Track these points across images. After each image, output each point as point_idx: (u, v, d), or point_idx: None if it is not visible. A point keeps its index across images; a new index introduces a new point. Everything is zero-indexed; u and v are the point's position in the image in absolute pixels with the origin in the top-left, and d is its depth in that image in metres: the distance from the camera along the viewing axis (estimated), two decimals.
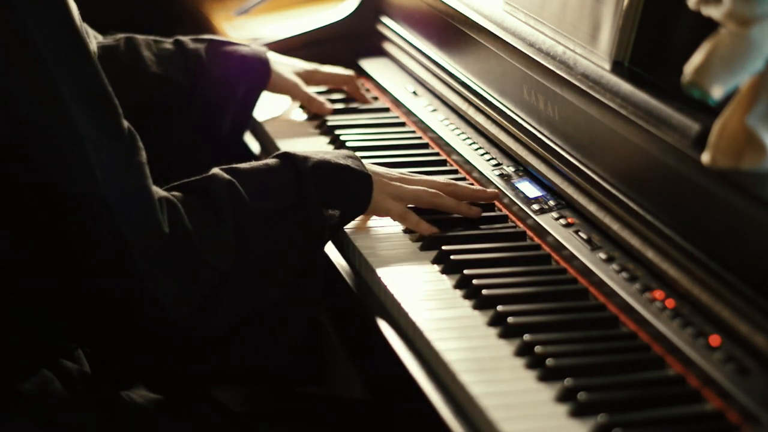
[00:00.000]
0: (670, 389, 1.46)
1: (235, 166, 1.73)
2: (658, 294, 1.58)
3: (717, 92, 1.48)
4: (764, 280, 1.44)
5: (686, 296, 1.55)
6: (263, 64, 2.26)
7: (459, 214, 1.87)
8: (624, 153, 1.71)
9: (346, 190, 1.79)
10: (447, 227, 1.85)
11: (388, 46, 2.53)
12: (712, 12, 1.49)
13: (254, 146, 2.32)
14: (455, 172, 2.07)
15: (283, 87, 2.30)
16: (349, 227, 1.87)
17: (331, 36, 2.57)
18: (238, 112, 2.24)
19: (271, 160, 1.77)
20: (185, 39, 2.24)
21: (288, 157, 1.76)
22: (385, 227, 1.89)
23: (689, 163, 1.56)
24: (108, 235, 1.53)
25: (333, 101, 2.40)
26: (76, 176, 1.51)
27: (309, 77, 2.36)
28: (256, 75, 2.25)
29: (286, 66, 2.33)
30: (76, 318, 1.60)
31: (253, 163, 1.75)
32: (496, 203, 1.94)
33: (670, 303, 1.56)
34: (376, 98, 2.43)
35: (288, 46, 2.56)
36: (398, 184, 1.84)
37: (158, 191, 1.60)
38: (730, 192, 1.50)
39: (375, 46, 2.55)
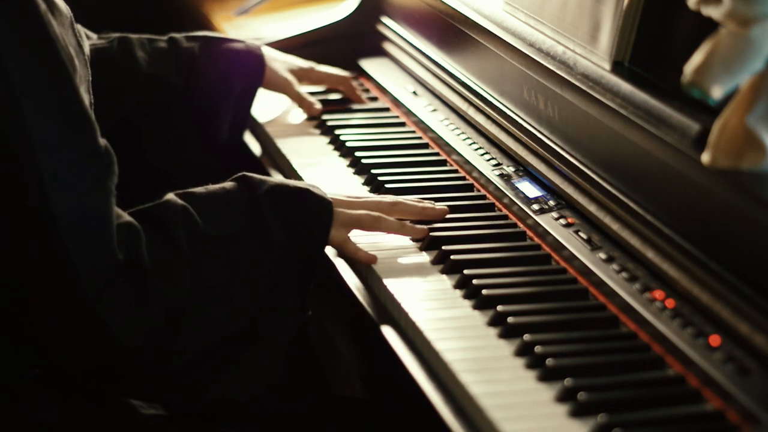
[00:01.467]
0: (670, 389, 1.46)
1: (190, 190, 1.69)
2: (658, 294, 1.58)
3: (717, 92, 1.48)
4: (764, 280, 1.44)
5: (686, 296, 1.55)
6: (258, 60, 2.25)
7: (403, 235, 1.83)
8: (624, 153, 1.71)
9: (306, 212, 1.73)
10: (449, 229, 1.86)
11: (388, 46, 2.53)
12: (712, 12, 1.49)
13: (255, 147, 2.32)
14: (455, 171, 2.07)
15: (277, 84, 2.29)
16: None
17: (331, 36, 2.57)
18: (235, 110, 2.23)
19: (228, 184, 1.73)
20: (179, 37, 2.22)
21: (245, 180, 1.73)
22: None
23: (689, 163, 1.56)
24: (51, 253, 1.50)
25: (332, 101, 2.40)
26: (23, 189, 1.50)
27: (304, 75, 2.35)
28: (251, 72, 2.24)
29: (280, 63, 2.32)
30: (33, 332, 1.58)
31: (210, 187, 1.71)
32: (496, 203, 1.95)
33: (670, 303, 1.56)
34: (375, 98, 2.43)
35: (288, 46, 2.55)
36: (341, 210, 1.78)
37: (122, 216, 1.58)
38: (730, 192, 1.50)
39: (375, 46, 2.55)
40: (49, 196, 1.50)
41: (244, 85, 2.23)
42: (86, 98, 1.62)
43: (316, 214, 1.73)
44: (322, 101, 2.37)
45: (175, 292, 1.58)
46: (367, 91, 2.46)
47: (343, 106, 2.39)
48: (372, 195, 1.87)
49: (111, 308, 1.53)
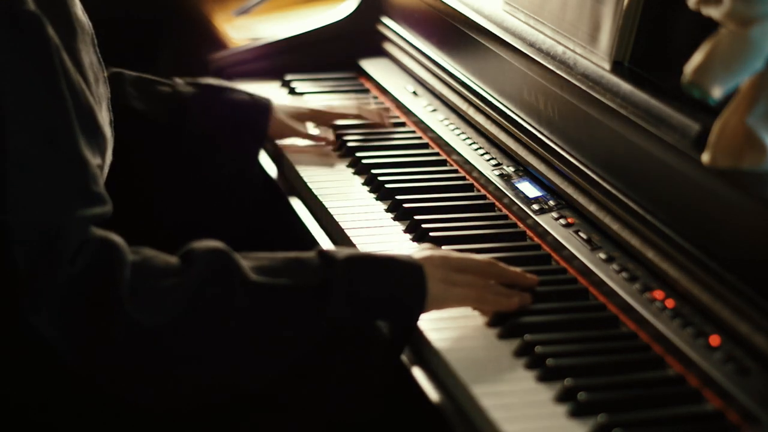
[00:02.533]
0: (670, 389, 1.46)
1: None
2: (658, 294, 1.58)
3: (717, 92, 1.48)
4: (764, 280, 1.44)
5: (686, 296, 1.55)
6: (262, 112, 2.16)
7: (501, 310, 1.63)
8: (624, 153, 1.71)
9: (393, 282, 1.59)
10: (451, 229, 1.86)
11: (388, 46, 2.53)
12: (712, 12, 1.49)
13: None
14: (455, 171, 2.07)
15: (284, 134, 2.20)
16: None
17: (331, 36, 2.57)
18: (236, 158, 2.14)
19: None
20: (179, 81, 2.15)
21: (321, 251, 1.60)
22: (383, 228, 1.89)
23: (689, 163, 1.56)
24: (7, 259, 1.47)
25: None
26: None
27: (318, 119, 2.24)
28: (252, 123, 2.15)
29: (290, 112, 2.21)
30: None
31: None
32: (496, 203, 1.95)
33: (670, 303, 1.56)
34: (375, 97, 2.43)
35: (288, 46, 2.56)
36: (449, 267, 1.63)
37: (98, 232, 1.50)
38: (730, 192, 1.50)
39: (375, 46, 2.55)
40: (6, 203, 1.47)
41: (245, 136, 2.15)
42: (106, 117, 1.61)
43: (406, 283, 1.59)
44: None
45: (150, 319, 1.48)
46: (367, 91, 2.46)
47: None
48: (467, 257, 1.68)
49: (51, 317, 1.46)
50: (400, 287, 1.59)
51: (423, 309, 1.59)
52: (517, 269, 1.68)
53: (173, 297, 1.49)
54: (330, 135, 2.22)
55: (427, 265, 1.60)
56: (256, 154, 2.16)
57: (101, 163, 1.57)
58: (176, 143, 2.10)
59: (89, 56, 1.61)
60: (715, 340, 1.47)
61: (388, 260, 1.60)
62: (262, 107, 2.16)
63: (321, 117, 2.24)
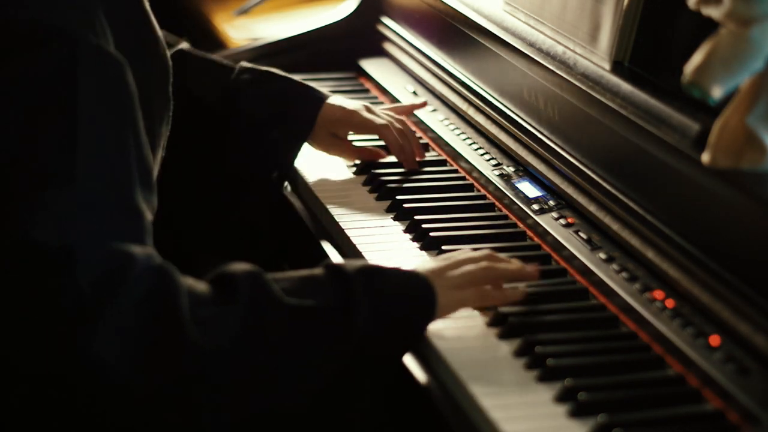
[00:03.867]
0: (670, 389, 1.46)
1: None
2: (658, 294, 1.58)
3: (717, 92, 1.48)
4: (764, 280, 1.44)
5: (686, 296, 1.55)
6: (316, 101, 2.13)
7: (504, 304, 1.65)
8: (624, 153, 1.71)
9: (407, 295, 1.59)
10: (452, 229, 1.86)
11: (388, 46, 2.53)
12: (712, 12, 1.49)
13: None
14: (455, 171, 2.07)
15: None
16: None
17: (331, 36, 2.57)
18: (276, 146, 2.12)
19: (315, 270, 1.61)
20: (244, 64, 2.16)
21: (333, 265, 1.59)
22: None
23: (689, 163, 1.56)
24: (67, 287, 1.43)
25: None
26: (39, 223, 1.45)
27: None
28: (305, 109, 2.12)
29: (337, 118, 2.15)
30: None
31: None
32: (496, 203, 1.95)
33: (670, 303, 1.56)
34: (376, 97, 2.43)
35: (288, 46, 2.56)
36: (449, 273, 1.63)
37: (157, 260, 1.49)
38: (730, 192, 1.50)
39: (375, 46, 2.55)
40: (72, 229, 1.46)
41: (290, 123, 2.12)
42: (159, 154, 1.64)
43: (415, 306, 1.59)
44: None
45: (209, 342, 1.46)
46: (366, 91, 2.46)
47: None
48: (460, 254, 1.67)
49: (113, 346, 1.43)
50: (415, 303, 1.58)
51: (430, 321, 1.59)
52: (515, 264, 1.67)
53: (226, 325, 1.48)
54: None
55: (432, 277, 1.60)
56: (293, 150, 2.11)
57: (152, 218, 1.55)
58: (224, 130, 2.11)
59: (161, 97, 1.62)
60: (715, 340, 1.47)
61: (400, 275, 1.60)
62: (313, 101, 2.13)
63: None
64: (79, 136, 1.48)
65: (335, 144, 2.14)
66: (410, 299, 1.58)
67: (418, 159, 2.10)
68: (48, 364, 1.43)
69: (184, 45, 2.16)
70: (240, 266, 1.54)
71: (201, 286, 1.52)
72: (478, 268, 1.64)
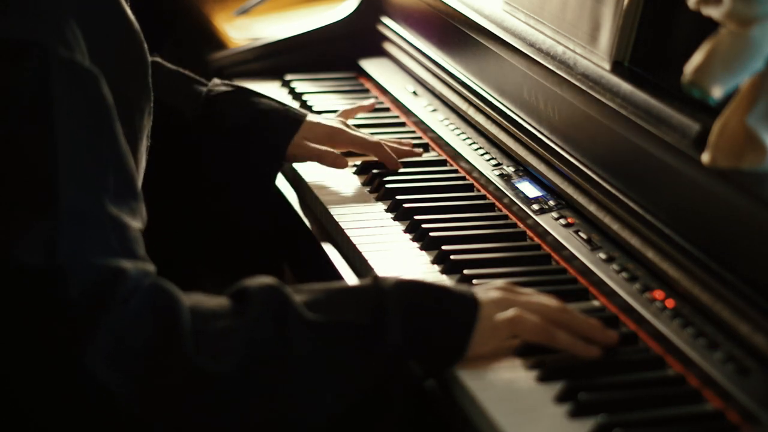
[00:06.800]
0: (670, 389, 1.46)
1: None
2: (658, 294, 1.58)
3: (717, 92, 1.48)
4: (764, 280, 1.44)
5: (686, 296, 1.55)
6: (291, 123, 2.06)
7: (574, 352, 1.52)
8: (624, 153, 1.71)
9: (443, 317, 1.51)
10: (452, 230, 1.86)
11: (388, 46, 2.53)
12: (712, 12, 1.49)
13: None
14: (455, 171, 2.07)
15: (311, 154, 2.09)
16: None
17: (331, 36, 2.57)
18: (260, 160, 2.06)
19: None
20: (216, 80, 2.11)
21: (374, 277, 1.54)
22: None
23: (689, 163, 1.56)
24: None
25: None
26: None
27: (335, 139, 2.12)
28: (280, 128, 2.06)
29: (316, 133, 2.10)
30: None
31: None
32: (496, 203, 1.95)
33: (670, 303, 1.56)
34: (376, 97, 2.43)
35: (288, 46, 2.56)
36: (516, 297, 1.55)
37: (152, 277, 1.46)
38: (730, 192, 1.50)
39: (375, 46, 2.55)
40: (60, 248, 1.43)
41: (267, 143, 2.06)
42: (144, 146, 1.61)
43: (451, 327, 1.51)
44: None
45: (214, 367, 1.43)
46: (367, 91, 2.46)
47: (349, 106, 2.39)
48: (531, 292, 1.58)
49: (110, 365, 1.41)
50: (447, 321, 1.51)
51: (464, 350, 1.50)
52: (595, 321, 1.54)
53: (231, 340, 1.44)
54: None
55: (483, 302, 1.52)
56: (274, 166, 2.06)
57: (141, 226, 1.52)
58: (199, 141, 2.06)
59: (139, 90, 1.59)
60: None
61: (440, 291, 1.53)
62: (292, 118, 2.07)
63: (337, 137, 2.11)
64: (59, 154, 1.45)
65: (302, 150, 2.07)
66: (446, 319, 1.50)
67: (416, 158, 2.11)
68: (43, 384, 1.42)
69: (157, 58, 2.10)
70: (258, 280, 1.50)
71: (215, 301, 1.48)
72: (554, 304, 1.55)
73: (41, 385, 1.42)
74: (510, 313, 1.51)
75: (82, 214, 1.45)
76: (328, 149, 2.07)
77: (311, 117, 2.10)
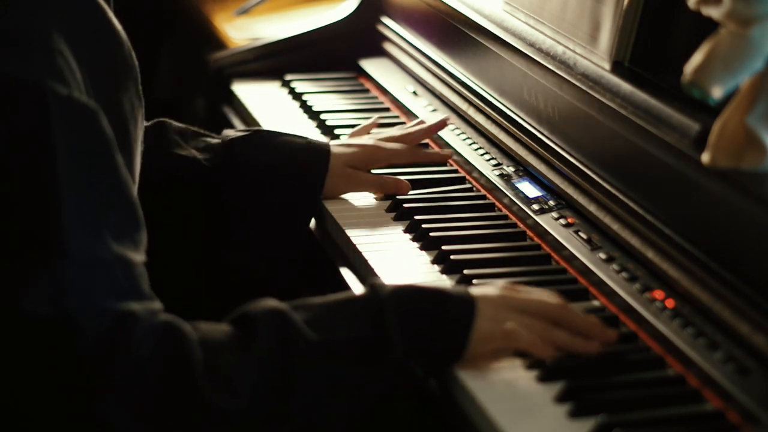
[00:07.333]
0: (670, 389, 1.46)
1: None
2: (658, 294, 1.58)
3: (717, 92, 1.48)
4: (764, 280, 1.44)
5: (686, 296, 1.55)
6: (319, 158, 1.96)
7: (573, 350, 1.52)
8: (624, 153, 1.71)
9: (441, 322, 1.51)
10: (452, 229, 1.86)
11: (388, 46, 2.53)
12: (712, 12, 1.49)
13: None
14: (455, 171, 2.07)
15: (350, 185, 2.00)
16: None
17: (331, 36, 2.57)
18: (295, 203, 1.96)
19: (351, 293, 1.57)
20: (228, 131, 2.01)
21: (371, 286, 1.53)
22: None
23: (689, 163, 1.56)
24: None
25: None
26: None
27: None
28: (305, 168, 1.96)
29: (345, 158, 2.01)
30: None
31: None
32: (496, 203, 1.95)
33: (670, 303, 1.56)
34: (376, 97, 2.43)
35: (288, 46, 2.56)
36: (515, 295, 1.55)
37: (162, 316, 1.45)
38: (730, 192, 1.50)
39: (375, 46, 2.55)
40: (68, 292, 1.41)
41: (296, 183, 1.96)
42: (138, 151, 1.58)
43: (449, 333, 1.50)
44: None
45: (228, 404, 1.42)
46: (366, 91, 2.46)
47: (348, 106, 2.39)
48: (531, 290, 1.58)
49: (123, 407, 1.39)
50: (446, 322, 1.51)
51: (463, 350, 1.50)
52: (595, 319, 1.55)
53: (243, 374, 1.43)
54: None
55: (481, 302, 1.52)
56: (311, 207, 1.96)
57: (144, 257, 1.49)
58: (219, 189, 1.95)
59: (130, 101, 1.55)
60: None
61: (437, 294, 1.53)
62: (319, 151, 1.98)
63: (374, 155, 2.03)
64: (62, 198, 1.41)
65: (351, 180, 1.99)
66: (445, 320, 1.50)
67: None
68: None
69: (164, 119, 2.01)
70: (262, 304, 1.49)
71: (219, 330, 1.47)
72: (554, 302, 1.55)
73: None
74: (507, 326, 1.51)
75: (88, 257, 1.42)
76: (384, 175, 2.00)
77: (335, 143, 2.03)
